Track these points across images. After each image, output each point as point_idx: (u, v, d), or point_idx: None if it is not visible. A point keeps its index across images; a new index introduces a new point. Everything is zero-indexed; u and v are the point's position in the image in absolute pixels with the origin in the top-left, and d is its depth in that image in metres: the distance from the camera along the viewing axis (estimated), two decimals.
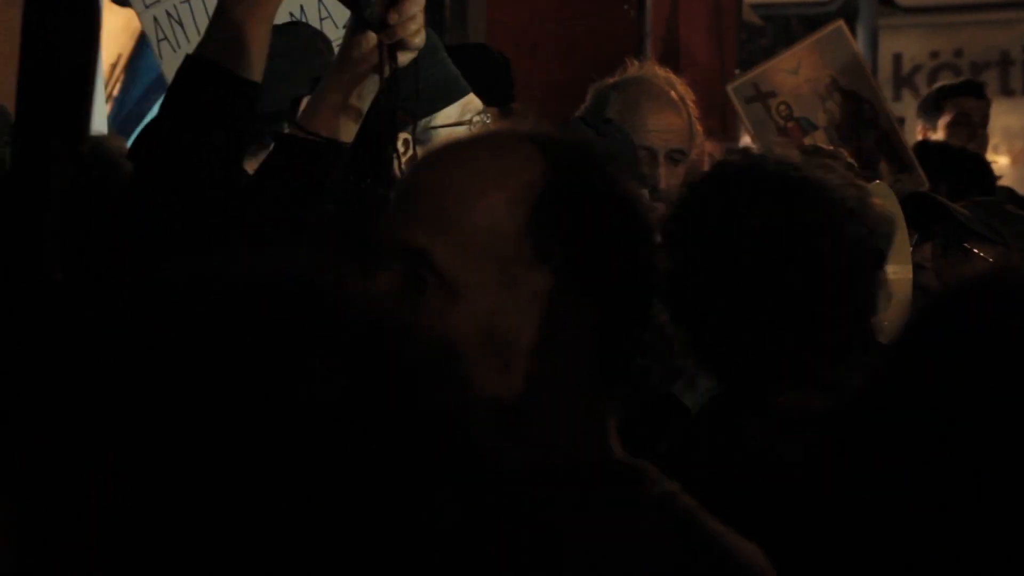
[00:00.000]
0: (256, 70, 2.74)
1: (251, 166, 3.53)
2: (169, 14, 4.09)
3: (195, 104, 2.70)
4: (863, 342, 2.45)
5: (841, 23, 6.17)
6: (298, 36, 3.65)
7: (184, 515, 1.11)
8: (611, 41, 6.50)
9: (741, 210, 2.43)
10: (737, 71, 7.04)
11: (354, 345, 1.18)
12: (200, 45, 2.84)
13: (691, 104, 4.33)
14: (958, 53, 12.19)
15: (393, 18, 2.68)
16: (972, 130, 6.97)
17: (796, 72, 5.97)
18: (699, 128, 4.36)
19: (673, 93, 4.30)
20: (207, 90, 2.70)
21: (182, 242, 2.64)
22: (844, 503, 1.42)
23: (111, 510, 1.12)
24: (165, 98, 2.79)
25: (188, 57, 2.78)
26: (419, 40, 2.72)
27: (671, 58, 6.90)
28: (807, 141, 5.87)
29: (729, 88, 6.00)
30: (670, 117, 4.25)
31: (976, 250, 3.99)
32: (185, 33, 4.10)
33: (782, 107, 5.93)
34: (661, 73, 4.39)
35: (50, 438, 1.16)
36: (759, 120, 5.92)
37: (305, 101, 3.55)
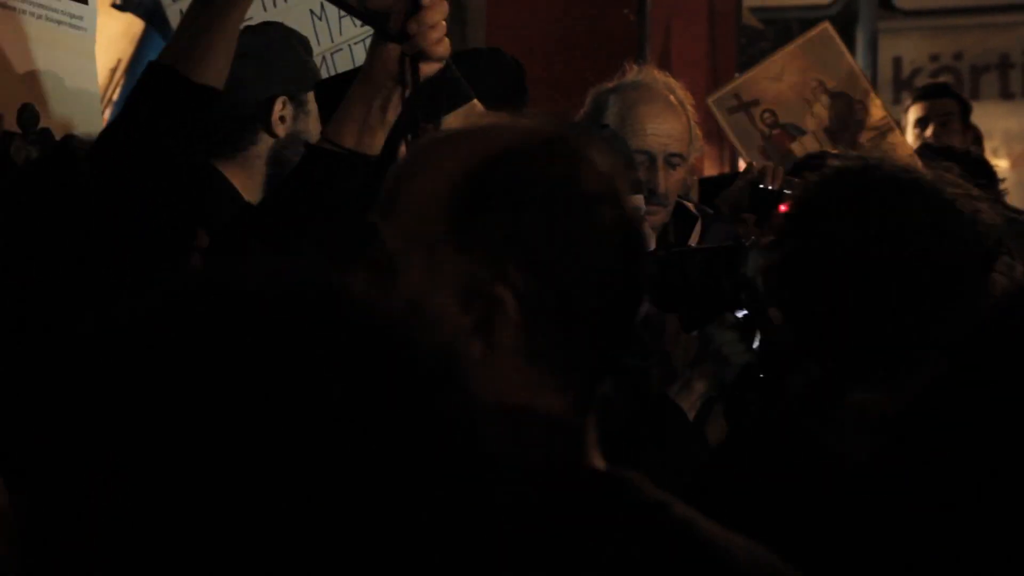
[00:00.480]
0: (216, 76, 2.74)
1: (227, 168, 3.53)
2: None
3: (151, 110, 2.72)
4: (964, 339, 2.50)
5: (827, 25, 6.15)
6: (272, 36, 3.63)
7: (184, 515, 1.12)
8: (610, 44, 6.50)
9: (856, 208, 2.50)
10: (737, 75, 7.05)
11: (355, 345, 1.18)
12: (162, 51, 2.87)
13: (690, 108, 4.32)
14: (958, 56, 12.19)
15: (413, 28, 2.67)
16: (925, 130, 6.94)
17: (779, 78, 5.95)
18: (698, 132, 4.35)
19: (672, 97, 4.29)
20: (163, 96, 2.72)
21: (136, 242, 2.67)
22: (897, 507, 1.42)
23: (111, 510, 1.13)
24: (124, 103, 2.82)
25: (149, 63, 2.81)
26: (443, 49, 2.71)
27: (669, 62, 6.91)
28: (795, 147, 5.87)
29: (709, 101, 5.95)
30: (669, 121, 4.23)
31: None
32: None
33: (766, 115, 5.90)
34: (660, 77, 4.37)
35: (50, 437, 1.16)
36: (743, 130, 5.90)
37: (278, 102, 3.56)
